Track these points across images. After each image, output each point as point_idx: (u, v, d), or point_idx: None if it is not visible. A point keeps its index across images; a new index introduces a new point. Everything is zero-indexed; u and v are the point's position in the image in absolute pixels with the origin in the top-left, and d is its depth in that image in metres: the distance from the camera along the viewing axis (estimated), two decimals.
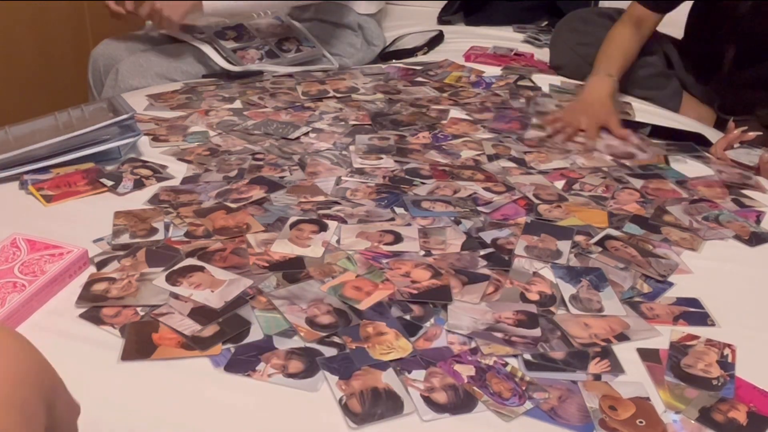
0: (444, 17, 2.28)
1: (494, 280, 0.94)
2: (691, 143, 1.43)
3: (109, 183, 1.15)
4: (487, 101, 1.61)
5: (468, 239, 1.04)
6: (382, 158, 1.29)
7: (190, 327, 0.82)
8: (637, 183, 1.25)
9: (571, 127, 1.41)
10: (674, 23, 1.68)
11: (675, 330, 0.87)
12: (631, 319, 0.88)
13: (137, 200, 1.11)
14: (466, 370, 0.78)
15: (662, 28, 1.70)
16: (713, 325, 0.89)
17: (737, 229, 1.11)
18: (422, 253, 1.00)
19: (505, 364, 0.79)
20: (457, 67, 1.84)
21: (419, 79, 1.75)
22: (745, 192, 1.24)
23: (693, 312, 0.91)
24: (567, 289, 0.93)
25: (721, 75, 1.62)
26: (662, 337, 0.86)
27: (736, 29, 1.54)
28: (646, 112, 1.61)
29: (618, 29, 1.61)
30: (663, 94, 1.69)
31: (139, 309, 0.85)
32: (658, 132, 1.47)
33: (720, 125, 1.62)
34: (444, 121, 1.49)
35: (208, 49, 1.70)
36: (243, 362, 0.78)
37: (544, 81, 1.75)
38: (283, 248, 0.99)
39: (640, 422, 0.73)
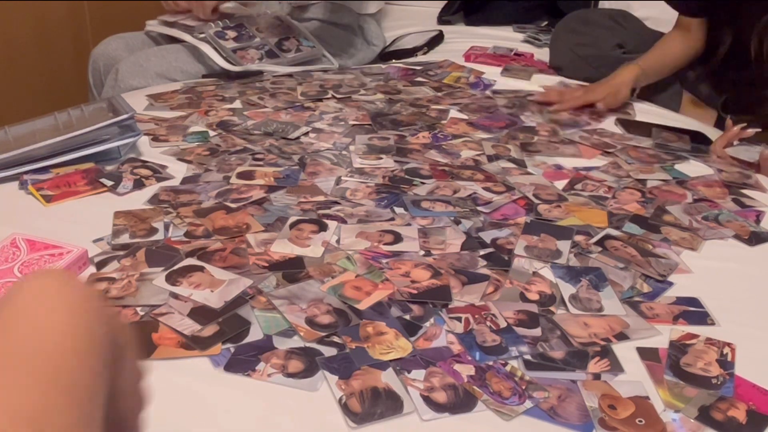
0: (444, 17, 2.28)
1: (494, 280, 0.94)
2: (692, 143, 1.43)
3: (109, 183, 1.15)
4: (481, 102, 1.61)
5: (468, 239, 1.04)
6: (381, 158, 1.29)
7: (189, 327, 0.82)
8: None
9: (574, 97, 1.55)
10: (673, 23, 1.67)
11: (675, 329, 0.87)
12: (630, 318, 0.88)
13: (137, 200, 1.11)
14: (465, 370, 0.78)
15: (664, 28, 1.70)
16: (713, 324, 0.89)
17: (737, 228, 1.11)
18: (422, 253, 1.00)
19: (505, 364, 0.79)
20: (457, 68, 1.84)
21: (419, 79, 1.76)
22: (745, 192, 1.24)
23: (693, 311, 0.91)
24: (567, 289, 0.93)
25: (724, 75, 1.62)
26: (662, 336, 0.86)
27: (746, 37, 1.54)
28: (646, 112, 1.61)
29: (668, 33, 1.67)
30: (663, 95, 1.69)
31: (138, 309, 0.86)
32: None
33: (720, 124, 1.62)
34: (444, 121, 1.49)
35: (208, 49, 1.70)
36: (243, 362, 0.78)
37: (545, 81, 1.75)
38: (283, 248, 0.99)
39: (640, 421, 0.73)
